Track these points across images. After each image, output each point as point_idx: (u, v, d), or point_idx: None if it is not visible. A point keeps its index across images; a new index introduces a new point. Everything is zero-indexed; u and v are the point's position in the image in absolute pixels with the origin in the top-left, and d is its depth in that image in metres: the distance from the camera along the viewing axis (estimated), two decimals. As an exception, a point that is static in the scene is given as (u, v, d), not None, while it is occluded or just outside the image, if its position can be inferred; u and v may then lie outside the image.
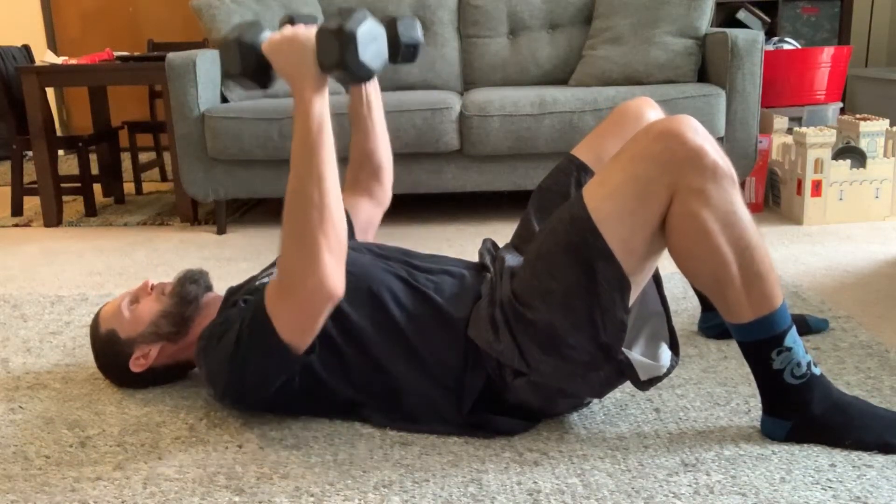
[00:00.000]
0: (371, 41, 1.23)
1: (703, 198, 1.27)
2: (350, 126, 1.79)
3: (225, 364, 1.43)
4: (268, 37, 1.31)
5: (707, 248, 1.29)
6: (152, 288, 1.66)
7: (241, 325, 1.40)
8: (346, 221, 1.33)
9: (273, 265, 1.64)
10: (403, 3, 3.51)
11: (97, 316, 1.67)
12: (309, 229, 1.28)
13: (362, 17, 1.23)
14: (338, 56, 1.22)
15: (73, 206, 3.82)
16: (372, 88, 1.74)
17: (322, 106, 1.29)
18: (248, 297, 1.52)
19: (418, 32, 1.48)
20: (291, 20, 1.47)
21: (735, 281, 1.30)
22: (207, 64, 3.12)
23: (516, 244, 1.65)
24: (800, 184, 2.94)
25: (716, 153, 1.28)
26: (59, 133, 3.69)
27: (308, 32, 1.28)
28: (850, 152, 2.94)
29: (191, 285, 1.64)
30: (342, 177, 1.75)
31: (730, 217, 1.28)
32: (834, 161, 2.90)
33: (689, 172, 1.26)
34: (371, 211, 1.82)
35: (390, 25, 1.46)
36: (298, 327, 1.35)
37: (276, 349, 1.36)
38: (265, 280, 1.54)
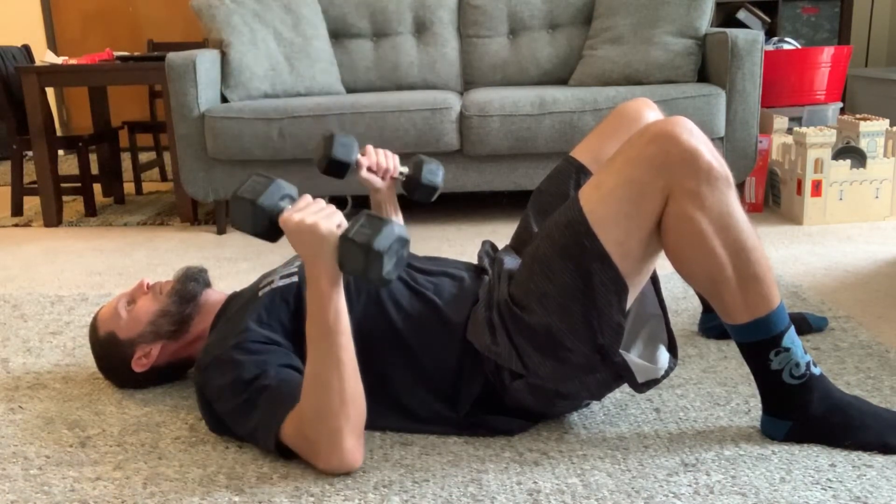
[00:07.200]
0: (395, 253, 1.19)
1: (697, 200, 1.26)
2: None
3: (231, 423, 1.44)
4: (287, 211, 1.25)
5: (702, 250, 1.29)
6: (149, 287, 1.66)
7: (249, 423, 1.38)
8: (364, 397, 1.31)
9: (274, 272, 1.60)
10: (403, 3, 3.51)
11: (95, 319, 1.67)
12: (332, 414, 1.26)
13: (390, 232, 1.17)
14: (361, 270, 1.18)
15: (73, 206, 3.83)
16: (392, 209, 1.75)
17: (338, 296, 1.25)
18: (253, 334, 1.44)
19: (440, 178, 1.60)
20: (332, 139, 1.50)
21: (731, 282, 1.30)
22: (207, 64, 3.11)
23: (515, 246, 1.65)
24: (800, 184, 2.94)
25: (710, 155, 1.27)
26: (59, 133, 3.68)
27: (331, 228, 1.22)
28: (850, 152, 2.94)
29: (191, 283, 1.63)
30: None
31: (725, 219, 1.28)
32: (834, 161, 2.90)
33: (683, 174, 1.26)
34: None
35: (417, 166, 1.57)
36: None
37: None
38: (267, 289, 1.51)
